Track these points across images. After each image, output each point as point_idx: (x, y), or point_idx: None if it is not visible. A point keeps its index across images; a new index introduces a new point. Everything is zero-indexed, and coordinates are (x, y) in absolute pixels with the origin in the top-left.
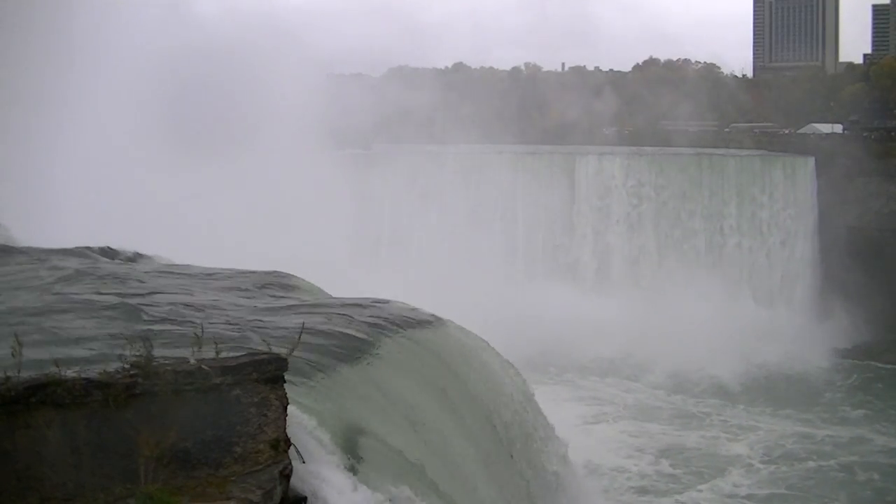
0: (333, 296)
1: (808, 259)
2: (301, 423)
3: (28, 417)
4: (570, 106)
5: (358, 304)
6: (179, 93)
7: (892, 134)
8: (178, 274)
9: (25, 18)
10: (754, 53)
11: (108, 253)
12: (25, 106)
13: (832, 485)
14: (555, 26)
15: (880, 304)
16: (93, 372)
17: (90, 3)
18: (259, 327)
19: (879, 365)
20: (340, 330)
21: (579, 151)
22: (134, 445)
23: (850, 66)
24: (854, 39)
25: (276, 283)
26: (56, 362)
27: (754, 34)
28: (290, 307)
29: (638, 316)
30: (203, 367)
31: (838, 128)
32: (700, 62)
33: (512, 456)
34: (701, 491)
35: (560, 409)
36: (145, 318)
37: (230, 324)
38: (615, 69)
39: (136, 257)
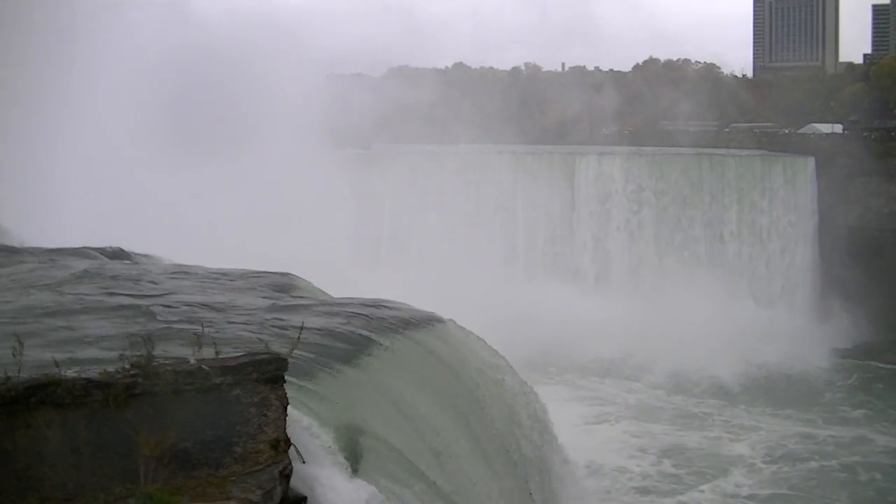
0: (333, 296)
1: (809, 261)
2: (301, 423)
3: (28, 417)
4: (571, 106)
5: (358, 304)
6: (179, 93)
7: (892, 134)
8: (190, 274)
9: (25, 18)
10: (754, 53)
11: (115, 254)
12: (25, 106)
13: (834, 485)
14: (555, 26)
15: (881, 303)
16: (93, 372)
17: (90, 3)
18: (279, 327)
19: (880, 365)
20: (340, 330)
21: (579, 151)
22: (134, 445)
23: (850, 66)
24: (854, 39)
25: (282, 284)
26: (56, 362)
27: (754, 34)
28: (299, 307)
29: (638, 316)
30: (203, 367)
31: (838, 128)
32: (700, 62)
33: (512, 455)
34: (702, 491)
35: (561, 410)
36: (161, 318)
37: (247, 323)
38: (615, 69)
39: (142, 258)
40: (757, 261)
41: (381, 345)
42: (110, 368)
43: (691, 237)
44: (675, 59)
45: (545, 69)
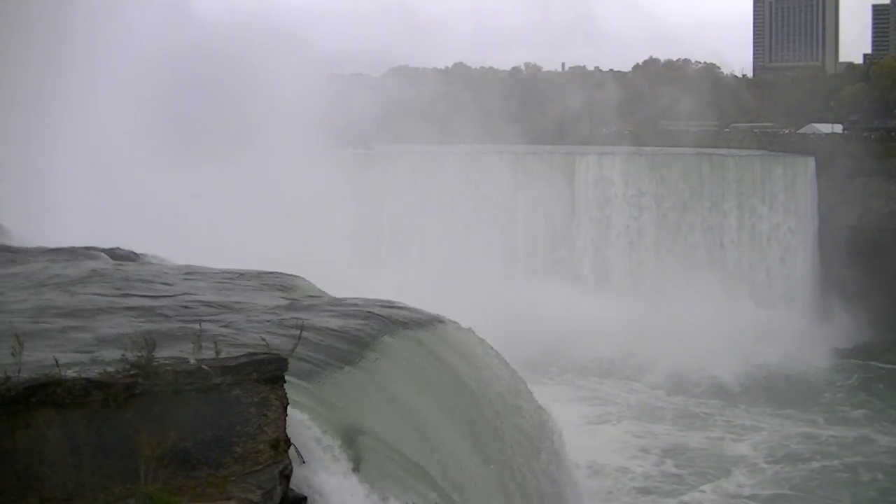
0: (333, 296)
1: (809, 262)
2: (301, 423)
3: (28, 417)
4: (571, 105)
5: (358, 304)
6: (179, 93)
7: (892, 134)
8: (201, 275)
9: (25, 18)
10: (754, 53)
11: (123, 255)
12: (25, 106)
13: (836, 485)
14: (555, 26)
15: (881, 303)
16: (93, 372)
17: (90, 3)
18: (296, 327)
19: (880, 365)
20: (341, 330)
21: (579, 151)
22: (134, 445)
23: (850, 66)
24: (854, 39)
25: (285, 284)
26: (57, 362)
27: (754, 34)
28: (309, 308)
29: (638, 316)
30: (203, 367)
31: (838, 128)
32: (700, 62)
33: (512, 453)
34: (704, 492)
35: (563, 410)
36: (177, 318)
37: (263, 322)
38: (615, 69)
39: (151, 259)
40: (757, 270)
41: (381, 345)
42: (110, 368)
43: (691, 244)
44: (675, 59)
45: (545, 69)
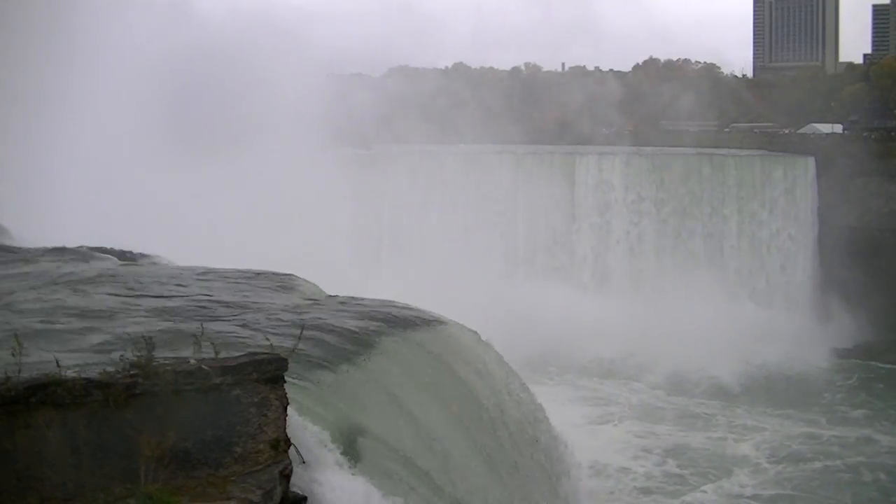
0: (335, 296)
1: (809, 262)
2: (301, 422)
3: (28, 417)
4: (571, 105)
5: (358, 304)
6: (180, 93)
7: (892, 134)
8: (213, 275)
9: (25, 18)
10: (754, 53)
11: (124, 255)
12: (25, 106)
13: (838, 485)
14: (555, 26)
15: (881, 303)
16: (93, 372)
17: (90, 3)
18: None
19: (880, 365)
20: (341, 330)
21: (579, 151)
22: (134, 445)
23: (850, 66)
24: (854, 39)
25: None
26: (57, 362)
27: (754, 34)
28: (313, 307)
29: (638, 316)
30: (203, 367)
31: (838, 128)
32: (700, 62)
33: (511, 453)
34: (706, 492)
35: (564, 410)
36: (196, 317)
37: (266, 322)
38: (615, 69)
39: (157, 259)
40: (757, 276)
41: (382, 344)
42: (110, 368)
43: (691, 249)
44: (675, 58)
45: (545, 69)
